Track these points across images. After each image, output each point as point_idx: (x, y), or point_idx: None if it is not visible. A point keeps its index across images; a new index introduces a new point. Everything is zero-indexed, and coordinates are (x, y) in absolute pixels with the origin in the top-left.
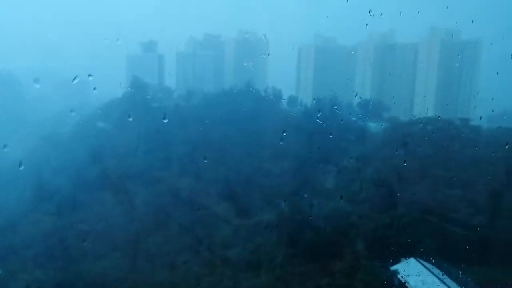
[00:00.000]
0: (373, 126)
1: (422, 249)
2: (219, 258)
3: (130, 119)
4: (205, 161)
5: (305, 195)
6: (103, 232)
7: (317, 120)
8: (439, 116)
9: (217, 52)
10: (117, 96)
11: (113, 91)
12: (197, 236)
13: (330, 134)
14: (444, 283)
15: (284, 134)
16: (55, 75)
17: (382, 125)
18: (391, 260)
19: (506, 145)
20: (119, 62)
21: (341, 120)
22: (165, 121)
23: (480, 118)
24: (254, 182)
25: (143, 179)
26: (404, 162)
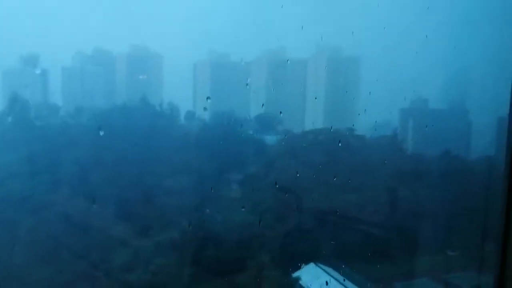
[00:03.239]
0: (269, 138)
1: (322, 254)
2: (119, 283)
3: (9, 140)
4: (99, 181)
5: (207, 210)
6: None
7: (215, 134)
8: (332, 127)
9: (108, 67)
10: None
11: None
12: (93, 262)
13: (230, 147)
14: (342, 283)
15: (183, 149)
16: None
17: (283, 136)
18: (293, 267)
19: (395, 153)
20: None
21: (238, 133)
22: (52, 139)
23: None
24: (153, 201)
25: (28, 204)
26: (299, 171)
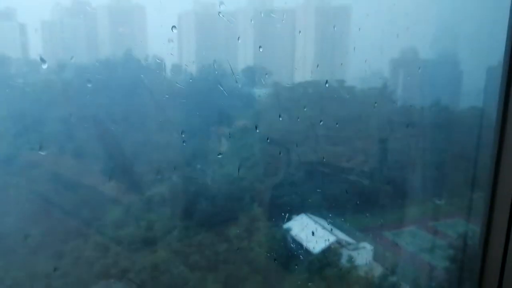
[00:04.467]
0: (257, 91)
1: (312, 205)
2: (112, 239)
3: None
4: (85, 138)
5: (198, 165)
6: None
7: (202, 87)
8: (327, 81)
9: (88, 20)
10: None
11: None
12: (85, 220)
13: (217, 100)
14: (331, 232)
15: (169, 103)
16: None
17: (272, 89)
18: (284, 219)
19: (375, 103)
20: None
21: (225, 86)
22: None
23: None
24: (141, 156)
25: (13, 164)
26: (288, 124)
